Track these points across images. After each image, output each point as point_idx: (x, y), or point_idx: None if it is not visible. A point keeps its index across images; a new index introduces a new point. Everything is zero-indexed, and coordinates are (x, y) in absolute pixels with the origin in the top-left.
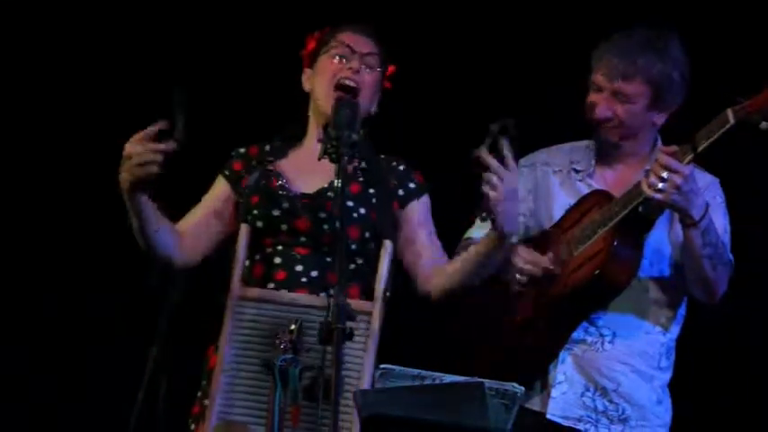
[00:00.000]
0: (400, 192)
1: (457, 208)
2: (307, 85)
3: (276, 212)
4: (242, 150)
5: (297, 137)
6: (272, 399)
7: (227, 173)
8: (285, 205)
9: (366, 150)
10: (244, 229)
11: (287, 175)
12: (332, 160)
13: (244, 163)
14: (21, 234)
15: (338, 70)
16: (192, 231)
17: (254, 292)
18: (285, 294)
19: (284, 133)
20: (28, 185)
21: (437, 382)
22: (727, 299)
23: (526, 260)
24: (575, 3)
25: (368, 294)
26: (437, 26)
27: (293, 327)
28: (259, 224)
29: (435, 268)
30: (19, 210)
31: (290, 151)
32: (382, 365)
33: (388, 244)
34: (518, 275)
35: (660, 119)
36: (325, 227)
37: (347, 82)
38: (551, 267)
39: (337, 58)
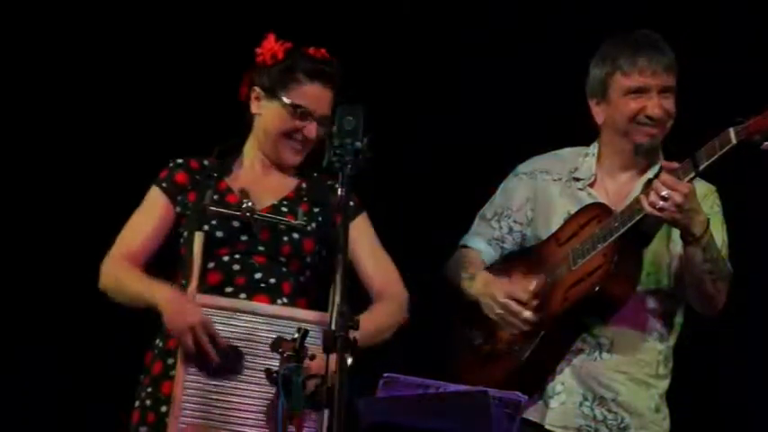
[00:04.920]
0: None
1: (453, 211)
2: (254, 108)
3: (236, 224)
4: (181, 161)
5: (233, 152)
6: (276, 407)
7: (164, 185)
8: (242, 212)
9: (307, 171)
10: (199, 238)
11: (238, 192)
12: (336, 169)
13: (188, 176)
14: (20, 234)
15: (293, 129)
16: (143, 249)
17: (223, 301)
18: (256, 305)
19: (222, 147)
20: (33, 185)
21: (441, 391)
22: (727, 306)
23: (506, 293)
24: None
25: (314, 307)
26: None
27: (296, 335)
28: (219, 234)
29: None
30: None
31: (234, 168)
32: (386, 374)
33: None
34: (498, 310)
35: None
36: (285, 239)
37: (297, 146)
38: (526, 317)
39: (296, 119)
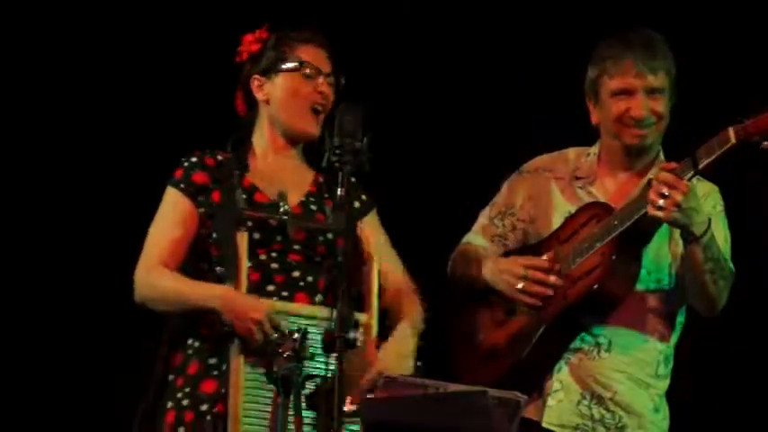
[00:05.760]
0: (355, 204)
1: (455, 210)
2: (260, 95)
3: (273, 222)
4: (195, 160)
5: (244, 144)
6: (275, 407)
7: (183, 186)
8: (279, 218)
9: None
10: (243, 239)
11: (264, 189)
12: (336, 169)
13: (206, 174)
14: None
15: (310, 93)
16: (175, 255)
17: (277, 304)
18: (299, 307)
19: (232, 141)
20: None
21: (440, 391)
22: (728, 306)
23: (526, 265)
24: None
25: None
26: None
27: (296, 335)
28: (256, 235)
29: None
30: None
31: (251, 163)
32: (386, 374)
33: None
34: (520, 284)
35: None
36: (321, 239)
37: (318, 107)
38: (553, 280)
39: (307, 79)
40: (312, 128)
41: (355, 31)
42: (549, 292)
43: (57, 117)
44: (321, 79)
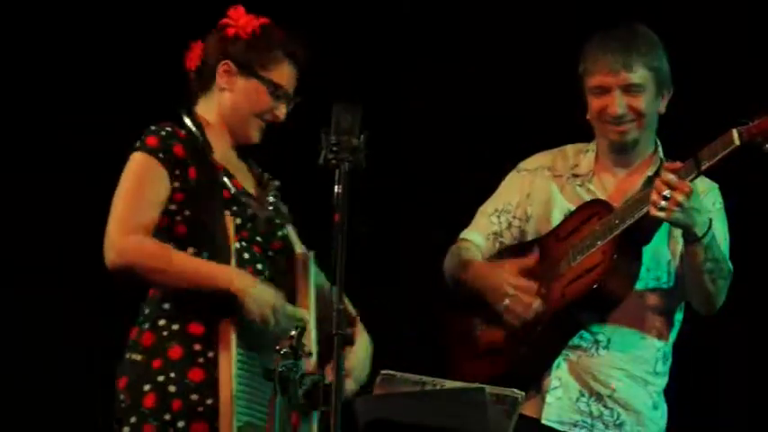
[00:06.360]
0: (284, 208)
1: (454, 207)
2: (223, 81)
3: (250, 211)
4: (170, 130)
5: (199, 123)
6: (273, 405)
7: (161, 156)
8: (253, 204)
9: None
10: (231, 222)
11: (235, 175)
12: (333, 167)
13: (183, 148)
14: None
15: (267, 110)
16: (151, 226)
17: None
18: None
19: (187, 113)
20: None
21: (438, 388)
22: (728, 305)
23: (514, 286)
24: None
25: None
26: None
27: (294, 332)
28: (238, 221)
29: None
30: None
31: (215, 145)
32: (383, 371)
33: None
34: (506, 301)
35: (663, 106)
36: (279, 234)
37: (264, 125)
38: (536, 305)
39: (271, 99)
40: (255, 138)
41: (355, 30)
42: (530, 316)
43: (56, 116)
44: (284, 104)
